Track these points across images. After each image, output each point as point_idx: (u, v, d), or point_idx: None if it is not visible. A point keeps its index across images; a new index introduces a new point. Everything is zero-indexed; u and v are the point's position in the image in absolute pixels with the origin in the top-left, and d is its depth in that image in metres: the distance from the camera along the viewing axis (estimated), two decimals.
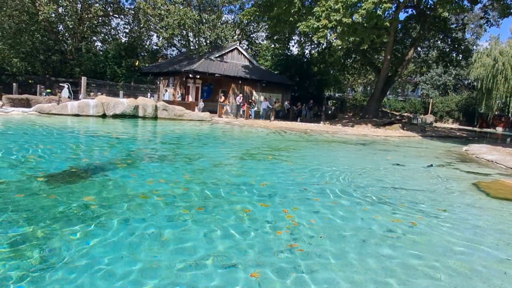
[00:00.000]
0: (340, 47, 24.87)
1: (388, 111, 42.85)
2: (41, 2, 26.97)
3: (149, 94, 26.34)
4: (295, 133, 20.76)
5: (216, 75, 25.90)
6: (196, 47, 29.99)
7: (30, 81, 27.57)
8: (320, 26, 22.90)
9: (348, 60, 36.59)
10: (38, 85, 24.62)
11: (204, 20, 28.70)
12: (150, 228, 5.14)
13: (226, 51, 29.44)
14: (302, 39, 33.48)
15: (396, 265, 4.42)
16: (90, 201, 6.03)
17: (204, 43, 29.76)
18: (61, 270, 3.90)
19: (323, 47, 33.39)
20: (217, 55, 28.66)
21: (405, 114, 43.55)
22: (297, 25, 24.60)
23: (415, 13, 30.20)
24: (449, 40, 32.67)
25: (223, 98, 25.16)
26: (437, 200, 7.66)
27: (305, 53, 37.47)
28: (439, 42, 34.02)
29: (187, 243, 4.74)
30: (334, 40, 24.01)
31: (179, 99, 25.17)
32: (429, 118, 40.14)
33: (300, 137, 18.97)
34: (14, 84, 23.01)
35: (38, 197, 6.07)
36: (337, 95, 51.04)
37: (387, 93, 41.50)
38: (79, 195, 6.35)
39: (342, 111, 39.03)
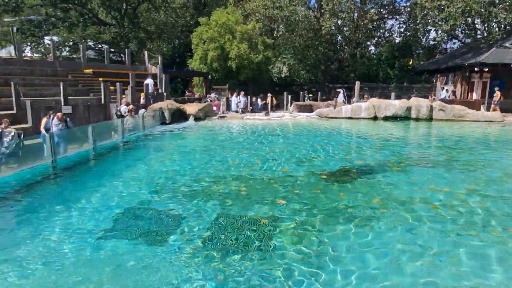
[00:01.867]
0: None
1: None
2: (324, 18, 30.29)
3: (413, 94, 24.38)
4: None
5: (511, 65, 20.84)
6: (485, 35, 25.27)
7: (313, 90, 31.61)
8: None
9: None
10: (301, 92, 27.55)
11: (497, 1, 23.73)
12: (428, 240, 4.37)
13: None
14: None
15: None
16: (360, 201, 5.83)
17: (496, 29, 24.65)
18: (332, 261, 3.83)
19: None
20: None
21: None
22: None
23: None
24: None
25: (498, 94, 19.78)
26: None
27: None
28: None
29: (473, 268, 3.64)
30: None
31: (449, 97, 21.93)
32: None
33: None
34: (301, 92, 26.93)
35: (319, 192, 6.44)
36: None
37: None
38: (351, 194, 6.29)
39: None
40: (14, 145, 9.89)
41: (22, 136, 11.04)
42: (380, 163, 8.92)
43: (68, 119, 11.19)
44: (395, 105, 18.65)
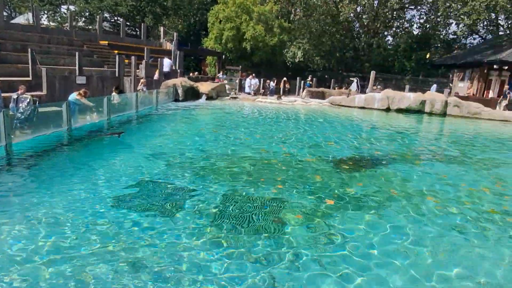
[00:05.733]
0: None
1: None
2: (343, 4, 29.69)
3: (435, 86, 23.85)
4: None
5: None
6: (508, 32, 24.63)
7: (326, 76, 31.29)
8: None
9: None
10: (298, 78, 27.01)
11: None
12: (428, 233, 4.45)
13: None
14: None
15: None
16: (368, 190, 5.87)
17: None
18: (342, 248, 3.88)
19: None
20: None
21: None
22: None
23: None
24: None
25: None
26: None
27: None
28: None
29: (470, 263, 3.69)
30: None
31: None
32: None
33: None
34: (314, 79, 26.68)
35: (324, 177, 6.48)
36: None
37: None
38: (356, 181, 6.33)
39: None
40: (29, 111, 10.04)
41: (37, 103, 11.18)
42: (389, 154, 8.91)
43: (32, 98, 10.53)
44: (409, 98, 18.42)
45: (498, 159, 9.27)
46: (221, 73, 24.48)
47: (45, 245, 3.75)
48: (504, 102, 19.20)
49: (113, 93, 12.80)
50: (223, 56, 26.66)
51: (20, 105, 10.23)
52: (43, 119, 9.66)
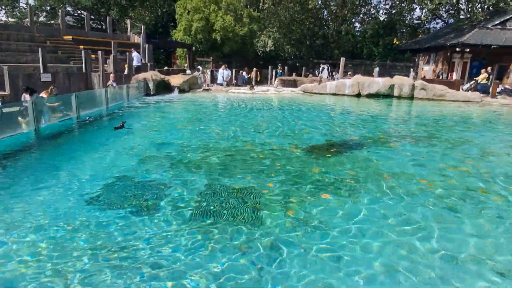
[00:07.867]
0: None
1: None
2: None
3: (377, 69, 24.47)
4: None
5: (492, 46, 21.28)
6: (468, 15, 25.57)
7: (297, 64, 31.54)
8: None
9: None
10: (269, 67, 27.18)
11: None
12: (401, 210, 4.71)
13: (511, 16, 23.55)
14: None
15: None
16: (345, 174, 6.07)
17: (480, 10, 24.96)
18: (318, 229, 4.04)
19: None
20: (496, 23, 23.32)
21: None
22: None
23: None
24: None
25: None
26: None
27: None
28: None
29: (451, 241, 3.95)
30: None
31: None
32: None
33: None
34: (285, 67, 26.83)
35: (301, 164, 6.64)
36: None
37: None
38: (334, 167, 6.53)
39: None
40: None
41: (0, 103, 10.70)
42: (362, 138, 9.18)
43: None
44: (378, 83, 18.89)
45: (469, 136, 9.77)
46: (197, 65, 24.01)
47: (22, 247, 3.69)
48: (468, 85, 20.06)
49: (24, 95, 10.00)
50: (193, 47, 26.30)
51: None
52: (7, 120, 9.28)
